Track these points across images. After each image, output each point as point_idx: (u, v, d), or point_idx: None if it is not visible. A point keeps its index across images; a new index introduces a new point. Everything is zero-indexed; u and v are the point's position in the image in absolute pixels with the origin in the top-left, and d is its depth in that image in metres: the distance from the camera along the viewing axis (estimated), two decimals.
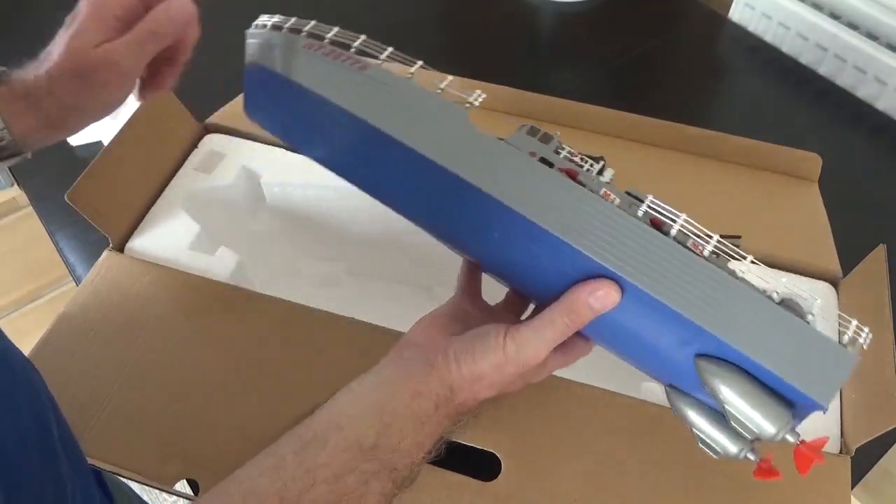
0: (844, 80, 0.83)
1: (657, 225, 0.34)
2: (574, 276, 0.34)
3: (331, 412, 0.37)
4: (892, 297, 0.47)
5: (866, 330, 0.33)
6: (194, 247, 0.56)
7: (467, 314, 0.42)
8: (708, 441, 0.35)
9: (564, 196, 0.34)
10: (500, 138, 0.37)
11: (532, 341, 0.36)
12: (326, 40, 0.42)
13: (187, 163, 0.62)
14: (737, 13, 0.93)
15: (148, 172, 0.60)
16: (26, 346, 0.39)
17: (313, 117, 0.42)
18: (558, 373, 0.41)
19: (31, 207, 0.76)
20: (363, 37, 0.40)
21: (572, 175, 0.35)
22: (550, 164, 0.36)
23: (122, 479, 0.49)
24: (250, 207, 0.65)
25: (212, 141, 0.64)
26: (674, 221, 0.34)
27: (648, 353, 0.36)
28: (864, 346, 0.33)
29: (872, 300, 0.49)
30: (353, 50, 0.41)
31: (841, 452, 0.46)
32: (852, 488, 0.44)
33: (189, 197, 0.60)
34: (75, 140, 0.77)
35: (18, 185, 0.80)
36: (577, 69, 0.89)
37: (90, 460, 0.43)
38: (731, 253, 0.33)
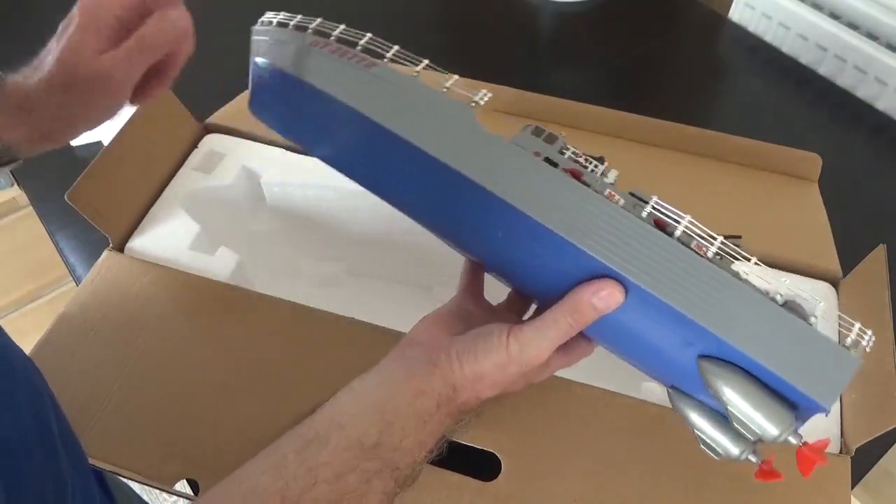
0: (844, 80, 0.83)
1: (661, 226, 0.34)
2: (578, 277, 0.34)
3: (332, 411, 0.37)
4: (892, 297, 0.47)
5: (869, 333, 0.33)
6: (194, 247, 0.56)
7: (470, 314, 0.42)
8: (710, 442, 0.35)
9: (569, 196, 0.34)
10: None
11: (535, 341, 0.36)
12: (332, 38, 0.42)
13: (187, 163, 0.62)
14: (737, 13, 0.93)
15: (148, 172, 0.60)
16: (26, 346, 0.39)
17: (319, 115, 0.42)
18: (558, 373, 0.41)
19: (31, 207, 0.76)
20: (369, 35, 0.40)
21: (577, 175, 0.36)
22: (555, 165, 0.36)
23: (122, 478, 0.49)
24: (250, 207, 0.65)
25: (212, 141, 0.64)
26: (678, 223, 0.34)
27: (651, 354, 0.36)
28: (867, 349, 0.33)
29: (872, 300, 0.49)
30: (359, 48, 0.41)
31: (841, 452, 0.46)
32: (852, 488, 0.44)
33: (189, 197, 0.60)
34: (75, 140, 0.77)
35: (18, 185, 0.80)
36: (577, 69, 0.89)
37: (90, 460, 0.43)
38: (735, 254, 0.33)
